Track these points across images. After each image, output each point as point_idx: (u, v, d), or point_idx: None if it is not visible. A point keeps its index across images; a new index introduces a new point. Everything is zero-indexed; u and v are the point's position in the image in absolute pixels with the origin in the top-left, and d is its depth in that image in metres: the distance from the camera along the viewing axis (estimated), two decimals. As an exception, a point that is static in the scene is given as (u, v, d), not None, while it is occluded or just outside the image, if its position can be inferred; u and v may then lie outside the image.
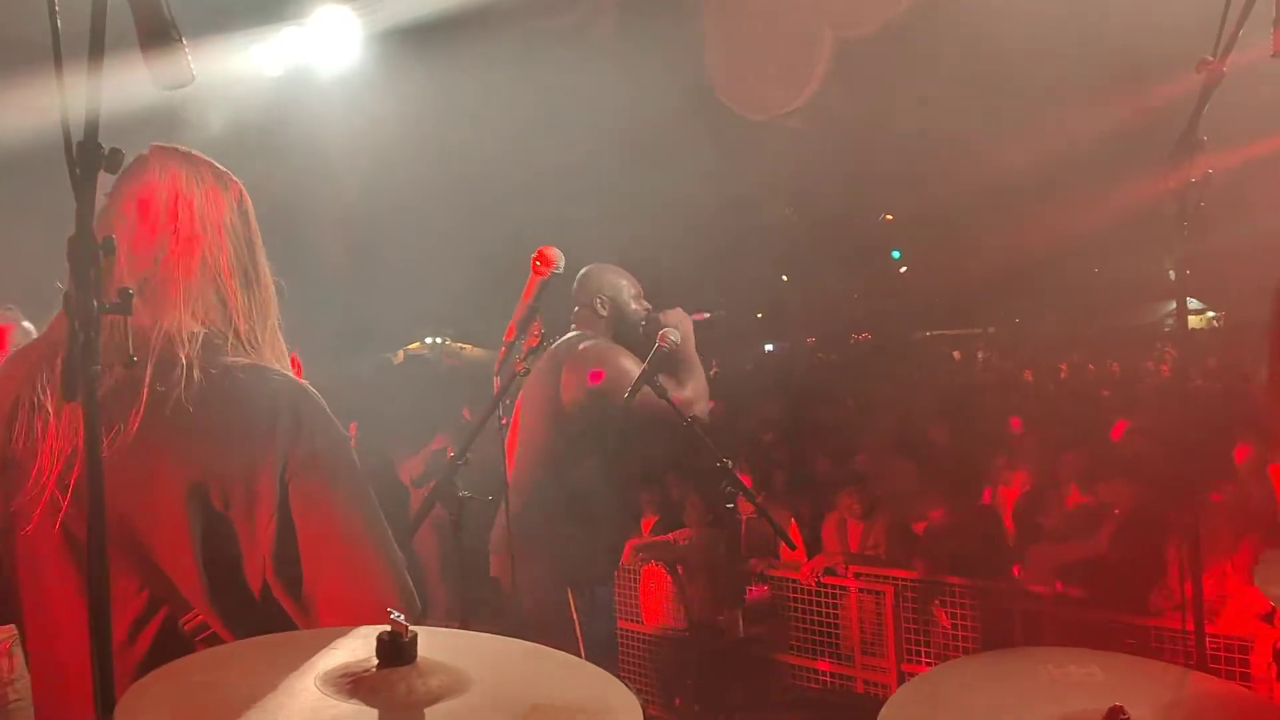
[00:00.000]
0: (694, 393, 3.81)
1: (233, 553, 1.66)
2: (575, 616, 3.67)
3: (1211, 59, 1.97)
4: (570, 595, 3.69)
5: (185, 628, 1.68)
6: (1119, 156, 12.60)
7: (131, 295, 1.32)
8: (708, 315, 4.01)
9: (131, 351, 1.43)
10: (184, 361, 1.68)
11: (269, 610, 1.67)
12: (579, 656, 3.30)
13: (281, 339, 1.90)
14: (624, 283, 4.03)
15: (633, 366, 3.68)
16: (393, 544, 1.73)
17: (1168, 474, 5.34)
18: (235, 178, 1.89)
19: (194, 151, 1.88)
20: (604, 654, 3.83)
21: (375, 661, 1.28)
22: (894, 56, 7.10)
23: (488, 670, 1.35)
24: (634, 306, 4.00)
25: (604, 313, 3.97)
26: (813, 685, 5.94)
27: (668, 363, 3.74)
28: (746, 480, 5.81)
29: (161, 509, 1.65)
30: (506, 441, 3.21)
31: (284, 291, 1.94)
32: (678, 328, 3.73)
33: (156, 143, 1.85)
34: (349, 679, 1.24)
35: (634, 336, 3.95)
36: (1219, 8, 2.03)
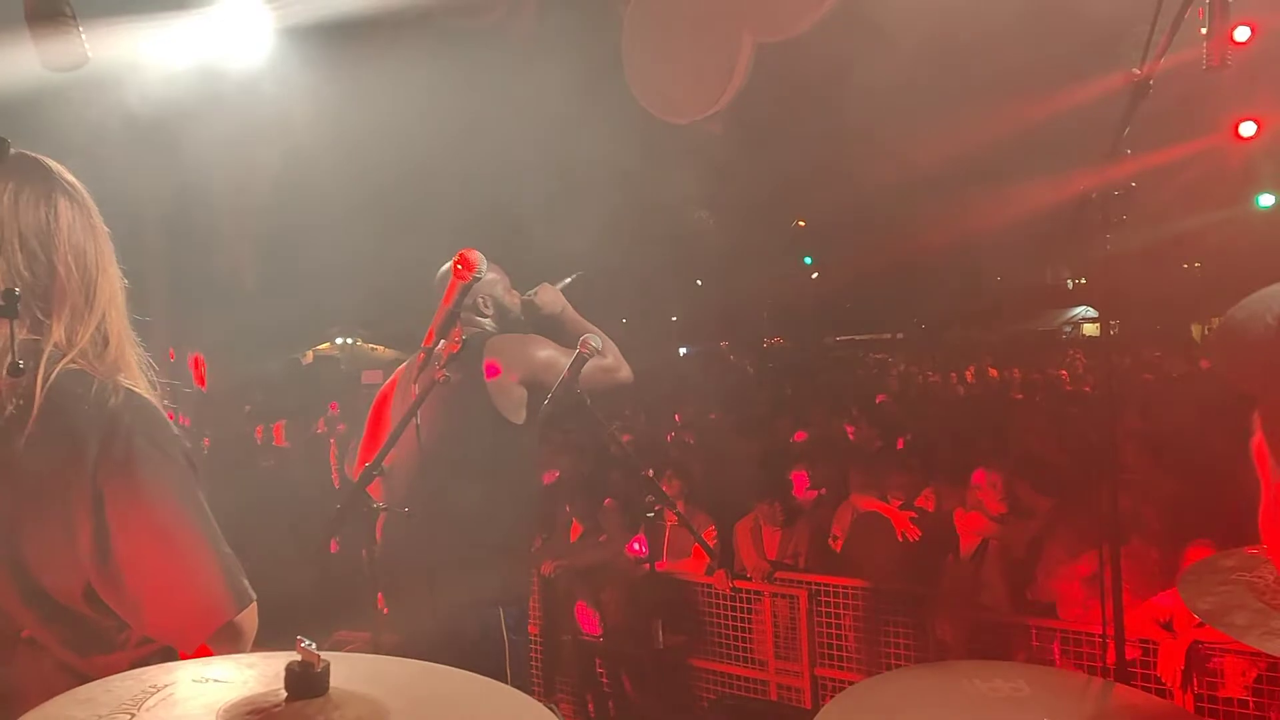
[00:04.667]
0: (614, 357, 3.61)
1: (51, 553, 1.62)
2: (505, 636, 3.41)
3: (1137, 72, 1.97)
4: (501, 614, 3.43)
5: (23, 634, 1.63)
6: (1023, 167, 12.94)
7: (17, 296, 1.22)
8: (571, 279, 3.81)
9: (16, 358, 1.32)
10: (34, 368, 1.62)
11: (91, 611, 1.64)
12: (505, 678, 3.12)
13: (128, 350, 1.79)
14: (495, 276, 3.72)
15: (560, 356, 3.48)
16: (220, 539, 1.71)
17: (1079, 480, 5.45)
18: (74, 196, 1.75)
19: (33, 157, 1.74)
20: (524, 668, 3.68)
21: (283, 694, 1.19)
22: (810, 62, 7.13)
23: (404, 699, 1.27)
24: (508, 299, 3.75)
25: (488, 312, 3.71)
26: (726, 690, 5.93)
27: (563, 335, 3.60)
28: (665, 486, 5.78)
29: None
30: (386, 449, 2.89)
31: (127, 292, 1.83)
32: (555, 303, 3.67)
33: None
34: (256, 714, 1.15)
35: (518, 330, 3.70)
36: (1128, 20, 2.04)
